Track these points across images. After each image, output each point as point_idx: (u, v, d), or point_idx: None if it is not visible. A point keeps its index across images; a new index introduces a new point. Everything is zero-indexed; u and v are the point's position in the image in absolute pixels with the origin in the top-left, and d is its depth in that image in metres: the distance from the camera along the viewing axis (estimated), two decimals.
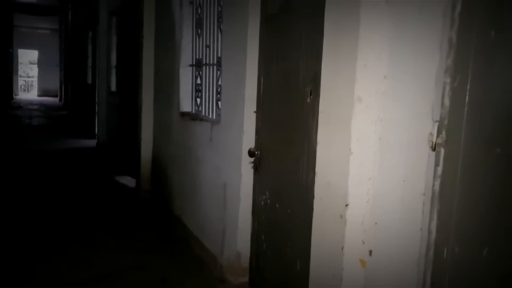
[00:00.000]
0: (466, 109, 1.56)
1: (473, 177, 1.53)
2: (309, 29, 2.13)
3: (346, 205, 1.75)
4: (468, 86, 1.55)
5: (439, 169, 1.64)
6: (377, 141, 1.75)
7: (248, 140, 2.86)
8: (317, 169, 1.95)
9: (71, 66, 14.57)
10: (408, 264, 1.74)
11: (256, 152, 2.77)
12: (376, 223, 1.77)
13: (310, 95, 2.12)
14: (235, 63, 3.00)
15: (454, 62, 1.60)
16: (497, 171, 1.45)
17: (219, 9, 3.45)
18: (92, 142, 9.16)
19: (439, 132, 1.64)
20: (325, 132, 1.90)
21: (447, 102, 1.62)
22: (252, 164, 2.83)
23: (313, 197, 1.98)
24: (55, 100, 21.35)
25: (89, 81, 10.27)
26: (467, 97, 1.55)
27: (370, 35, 1.69)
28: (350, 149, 1.73)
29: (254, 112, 2.82)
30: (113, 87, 7.84)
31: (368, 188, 1.76)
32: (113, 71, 7.84)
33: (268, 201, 2.66)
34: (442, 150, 1.63)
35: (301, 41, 2.21)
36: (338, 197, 1.80)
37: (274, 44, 2.56)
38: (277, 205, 2.55)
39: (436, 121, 1.65)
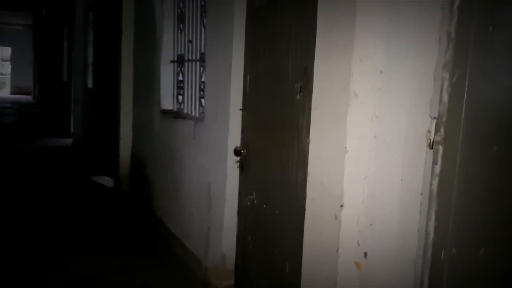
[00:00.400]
0: (464, 105, 1.51)
1: (471, 176, 1.48)
2: (300, 22, 2.05)
3: (341, 205, 1.68)
4: (467, 82, 1.50)
5: (437, 168, 1.59)
6: (372, 139, 1.68)
7: (234, 138, 2.77)
8: (309, 169, 1.87)
9: (45, 63, 14.20)
10: (405, 265, 1.69)
11: (242, 151, 2.68)
12: (371, 224, 1.70)
13: (300, 91, 2.04)
14: (220, 59, 2.91)
15: (453, 57, 1.54)
16: (494, 170, 1.40)
17: (203, 3, 3.35)
18: (67, 141, 8.92)
19: (437, 130, 1.59)
20: (318, 130, 1.82)
21: (445, 98, 1.57)
22: (238, 164, 2.74)
23: (305, 198, 1.90)
24: (29, 98, 20.80)
25: (65, 78, 10.01)
26: (466, 93, 1.50)
27: (366, 29, 1.62)
28: (345, 147, 1.66)
29: (240, 109, 2.73)
30: (90, 84, 7.62)
31: (363, 187, 1.70)
32: (90, 68, 7.62)
33: (255, 201, 2.58)
34: (440, 148, 1.58)
35: (291, 35, 2.13)
36: (332, 197, 1.73)
37: (261, 38, 2.47)
38: (264, 206, 2.46)
39: (434, 118, 1.60)
